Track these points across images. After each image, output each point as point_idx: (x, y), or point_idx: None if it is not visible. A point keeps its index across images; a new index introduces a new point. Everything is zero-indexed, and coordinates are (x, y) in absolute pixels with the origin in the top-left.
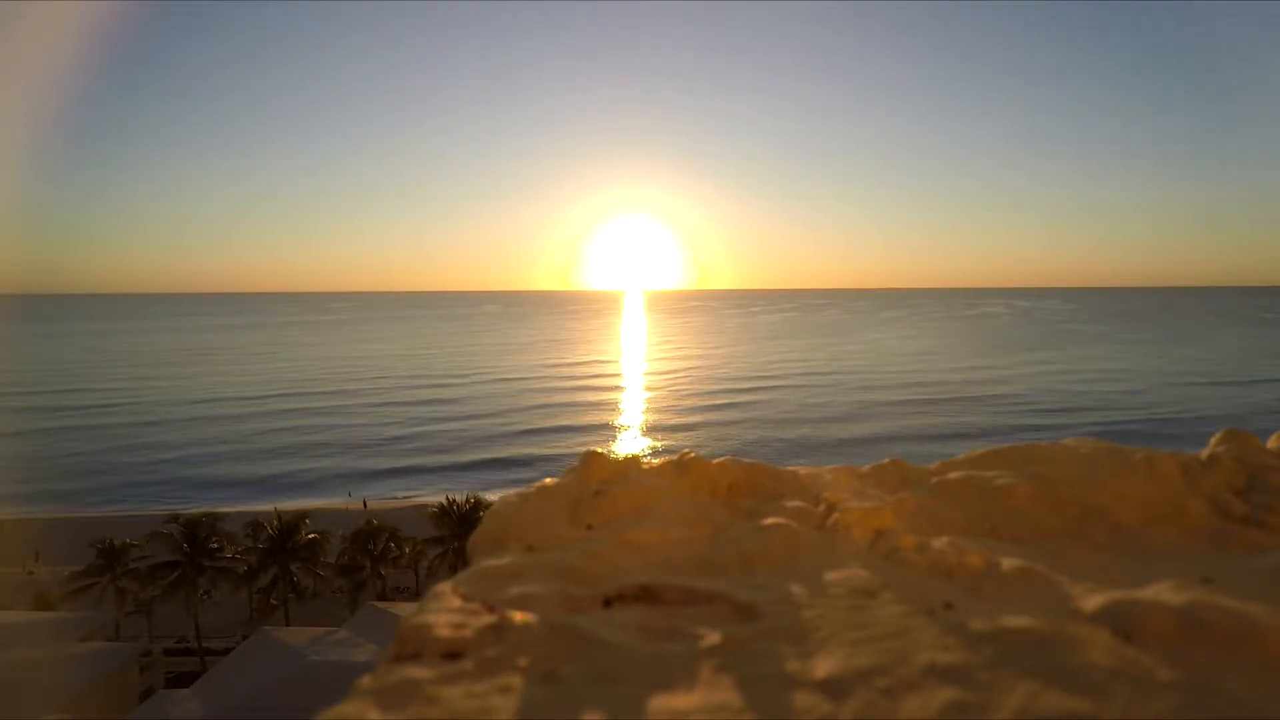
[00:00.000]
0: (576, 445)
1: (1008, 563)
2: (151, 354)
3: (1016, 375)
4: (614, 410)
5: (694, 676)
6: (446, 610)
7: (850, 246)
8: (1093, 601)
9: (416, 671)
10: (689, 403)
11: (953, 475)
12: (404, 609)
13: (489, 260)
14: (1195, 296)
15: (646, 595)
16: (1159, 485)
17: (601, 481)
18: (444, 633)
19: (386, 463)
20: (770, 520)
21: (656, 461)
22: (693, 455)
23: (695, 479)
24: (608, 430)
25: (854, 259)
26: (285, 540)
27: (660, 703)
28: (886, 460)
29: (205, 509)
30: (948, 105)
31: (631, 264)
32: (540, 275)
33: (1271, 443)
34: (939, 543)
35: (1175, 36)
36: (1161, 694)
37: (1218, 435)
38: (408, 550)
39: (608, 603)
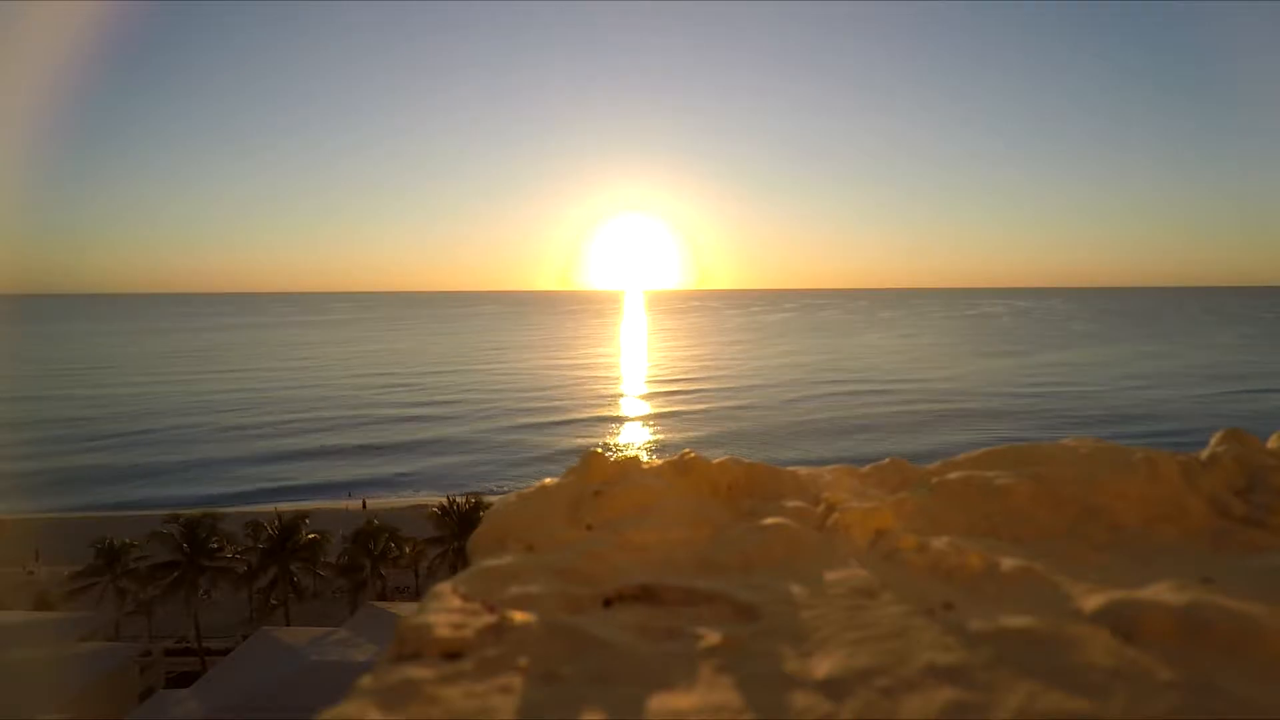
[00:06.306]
0: (578, 445)
1: (1008, 563)
2: (151, 354)
3: (1017, 374)
4: (632, 409)
5: (694, 676)
6: (446, 610)
7: (850, 246)
8: (1093, 601)
9: (416, 671)
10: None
11: (953, 475)
12: (404, 609)
13: (489, 260)
14: (1195, 297)
15: (646, 595)
16: (1159, 485)
17: (601, 481)
18: (444, 633)
19: (387, 463)
20: (770, 520)
21: (656, 461)
22: (693, 455)
23: (695, 479)
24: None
25: (853, 259)
26: (285, 540)
27: (660, 703)
28: (886, 460)
29: (205, 509)
30: (947, 105)
31: (631, 264)
32: (540, 275)
33: (1271, 443)
34: (939, 543)
35: (1175, 36)
36: (1161, 694)
37: (1218, 435)
38: (408, 550)
39: (608, 603)
